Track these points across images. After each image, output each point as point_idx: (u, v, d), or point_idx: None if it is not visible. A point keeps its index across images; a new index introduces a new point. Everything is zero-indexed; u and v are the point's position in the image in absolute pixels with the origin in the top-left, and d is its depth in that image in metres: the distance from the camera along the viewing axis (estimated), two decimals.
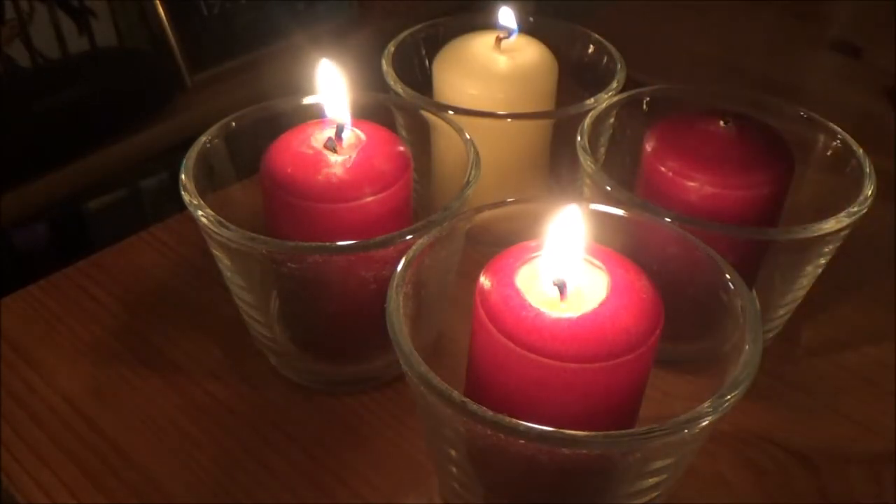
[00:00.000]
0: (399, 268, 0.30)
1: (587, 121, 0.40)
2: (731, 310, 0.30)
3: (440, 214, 0.33)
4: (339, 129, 0.35)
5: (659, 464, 0.28)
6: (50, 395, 0.38)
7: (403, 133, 0.43)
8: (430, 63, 0.47)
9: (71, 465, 0.35)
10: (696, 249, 0.32)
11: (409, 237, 0.32)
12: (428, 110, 0.41)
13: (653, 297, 0.28)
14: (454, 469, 0.30)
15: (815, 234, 0.34)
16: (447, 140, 0.40)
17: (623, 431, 0.25)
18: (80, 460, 0.35)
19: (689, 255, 0.32)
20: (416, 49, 0.49)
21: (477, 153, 0.37)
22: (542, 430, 0.25)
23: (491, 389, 0.29)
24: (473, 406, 0.25)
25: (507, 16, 0.46)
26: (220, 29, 0.94)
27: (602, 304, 0.27)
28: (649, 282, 0.29)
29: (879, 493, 0.35)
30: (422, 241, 0.31)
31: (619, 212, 0.34)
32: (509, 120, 0.42)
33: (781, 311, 0.39)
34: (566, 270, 0.28)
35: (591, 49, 0.49)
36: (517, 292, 0.28)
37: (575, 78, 0.49)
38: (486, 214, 0.33)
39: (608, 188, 0.36)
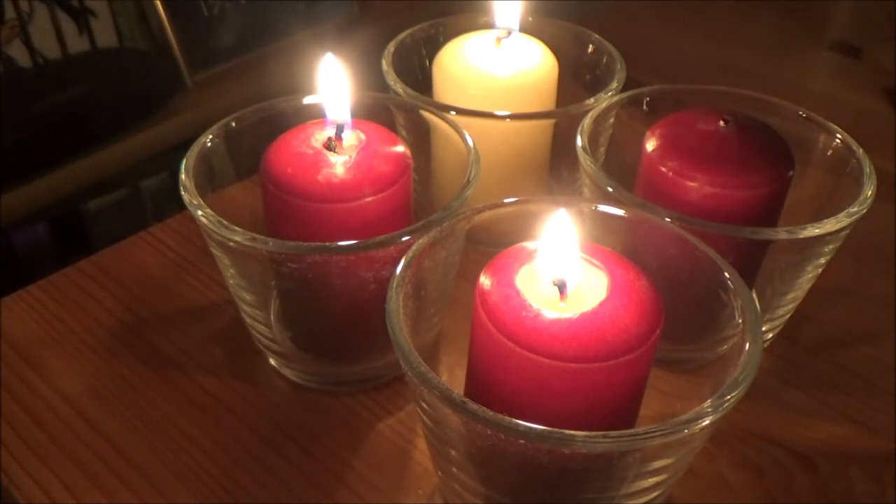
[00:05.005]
0: (399, 268, 0.30)
1: (587, 121, 0.40)
2: (731, 310, 0.30)
3: (440, 214, 0.33)
4: (339, 129, 0.35)
5: (659, 464, 0.28)
6: (50, 395, 0.38)
7: (403, 133, 0.43)
8: (430, 63, 0.47)
9: (71, 465, 0.35)
10: (696, 249, 0.32)
11: (408, 237, 0.32)
12: (428, 110, 0.41)
13: (653, 297, 0.28)
14: (454, 469, 0.30)
15: (815, 234, 0.34)
16: (447, 140, 0.40)
17: (623, 431, 0.25)
18: (80, 460, 0.35)
19: (689, 255, 0.32)
20: (416, 49, 0.49)
21: (477, 153, 0.37)
22: (542, 430, 0.25)
23: (491, 389, 0.29)
24: (473, 406, 0.25)
25: (507, 16, 0.46)
26: (220, 29, 0.94)
27: (602, 304, 0.27)
28: (649, 282, 0.29)
29: (879, 493, 0.35)
30: (422, 241, 0.31)
31: (619, 212, 0.34)
32: (509, 120, 0.42)
33: (781, 311, 0.39)
34: (566, 270, 0.28)
35: (591, 49, 0.49)
36: (517, 292, 0.28)
37: (575, 78, 0.49)
38: (486, 214, 0.33)
39: (608, 188, 0.36)
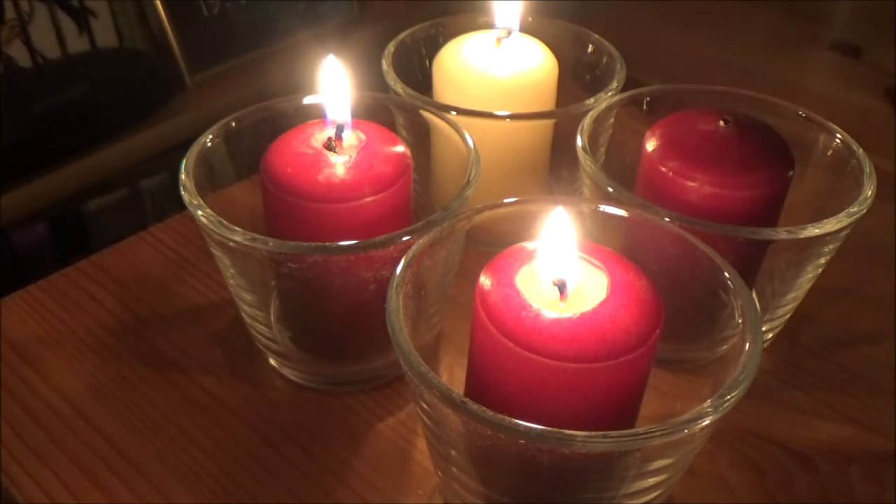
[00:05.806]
0: (399, 268, 0.30)
1: (587, 121, 0.40)
2: (731, 310, 0.30)
3: (440, 214, 0.33)
4: (339, 129, 0.35)
5: (659, 464, 0.28)
6: (50, 395, 0.38)
7: (403, 133, 0.43)
8: (430, 63, 0.47)
9: (71, 465, 0.35)
10: (696, 249, 0.32)
11: (409, 237, 0.32)
12: (428, 110, 0.41)
13: (653, 297, 0.28)
14: (454, 469, 0.30)
15: (815, 234, 0.34)
16: (447, 140, 0.40)
17: (623, 431, 0.25)
18: (80, 460, 0.35)
19: (689, 255, 0.32)
20: (416, 49, 0.49)
21: (477, 153, 0.37)
22: (542, 430, 0.25)
23: (491, 389, 0.29)
24: (473, 406, 0.25)
25: (507, 16, 0.46)
26: (220, 29, 0.94)
27: (602, 304, 0.27)
28: (649, 282, 0.29)
29: (879, 493, 0.35)
30: (422, 241, 0.31)
31: (619, 212, 0.34)
32: (509, 120, 0.42)
33: (781, 311, 0.39)
34: (566, 270, 0.28)
35: (591, 49, 0.49)
36: (517, 292, 0.28)
37: (575, 78, 0.49)
38: (486, 214, 0.33)
39: (608, 188, 0.36)
